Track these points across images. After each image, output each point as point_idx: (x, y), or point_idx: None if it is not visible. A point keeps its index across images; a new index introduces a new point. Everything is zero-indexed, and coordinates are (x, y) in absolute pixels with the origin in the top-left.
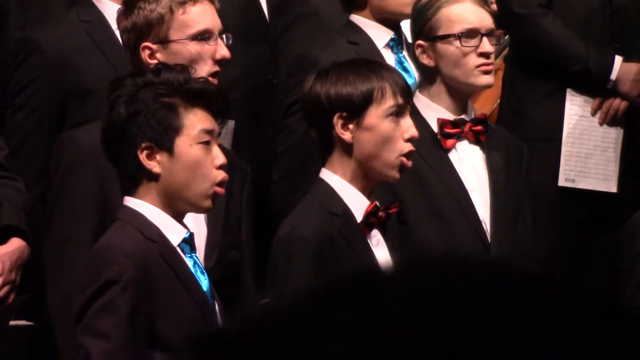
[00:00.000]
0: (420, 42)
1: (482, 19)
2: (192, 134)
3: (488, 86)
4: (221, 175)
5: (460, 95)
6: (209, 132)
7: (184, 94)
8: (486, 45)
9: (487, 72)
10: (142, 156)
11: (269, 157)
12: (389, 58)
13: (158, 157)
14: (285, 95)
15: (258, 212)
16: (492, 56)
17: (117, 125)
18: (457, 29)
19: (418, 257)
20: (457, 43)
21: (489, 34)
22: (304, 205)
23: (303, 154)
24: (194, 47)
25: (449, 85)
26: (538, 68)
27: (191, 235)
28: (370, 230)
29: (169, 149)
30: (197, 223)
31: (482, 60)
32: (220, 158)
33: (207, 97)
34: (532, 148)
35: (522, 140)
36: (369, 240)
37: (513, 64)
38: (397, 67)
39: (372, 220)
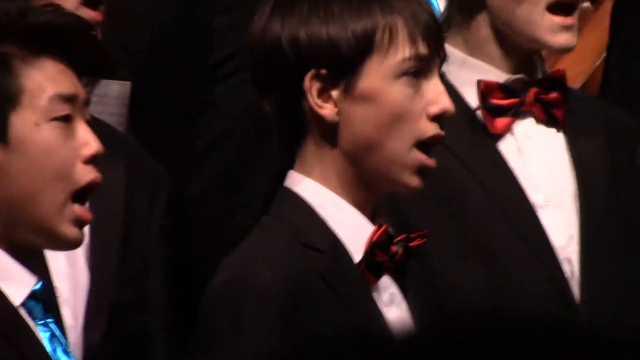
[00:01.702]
0: None
1: None
2: (38, 105)
3: (565, 50)
4: (90, 175)
5: (520, 48)
6: (69, 98)
7: (20, 36)
8: None
9: (566, 28)
10: None
11: (180, 154)
12: None
13: None
14: (207, 51)
15: (181, 247)
16: None
17: None
18: None
19: (448, 325)
20: None
21: None
22: (259, 233)
23: (244, 149)
24: None
25: (498, 28)
26: None
27: (45, 286)
28: (378, 277)
29: None
30: (71, 264)
31: None
32: (91, 144)
33: (62, 38)
34: None
35: (638, 122)
36: (375, 295)
37: None
38: None
39: (380, 258)
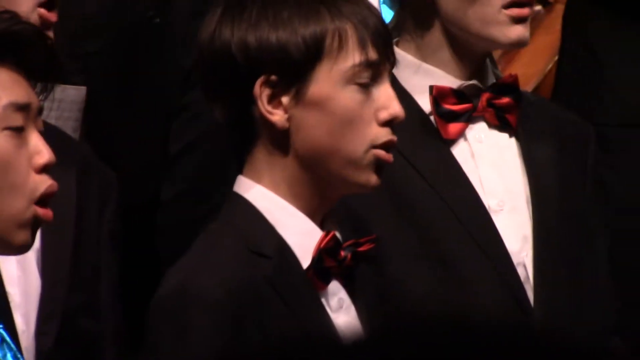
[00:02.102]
0: None
1: None
2: None
3: (519, 45)
4: (45, 183)
5: (472, 52)
6: (22, 107)
7: None
8: None
9: (520, 20)
10: None
11: (152, 158)
12: None
13: None
14: (183, 55)
15: (130, 253)
16: None
17: None
18: None
19: (399, 329)
20: None
21: None
22: (206, 240)
23: (218, 156)
24: None
25: (450, 32)
26: (630, 4)
27: None
28: (327, 282)
29: None
30: (23, 269)
31: None
32: (43, 153)
33: (18, 47)
34: (614, 139)
35: (591, 125)
36: (323, 300)
37: None
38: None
39: (329, 264)
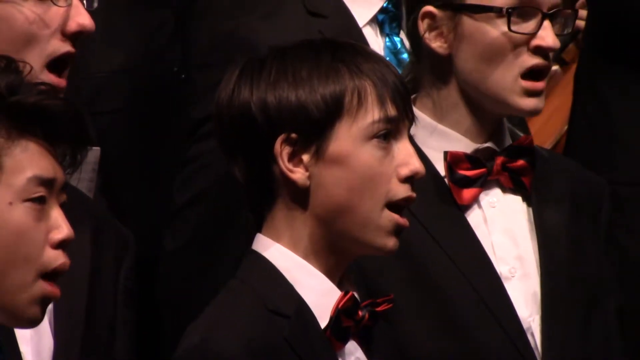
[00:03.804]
0: (429, 8)
1: None
2: (14, 185)
3: (532, 115)
4: (59, 260)
5: (488, 112)
6: (47, 182)
7: (6, 113)
8: (548, 35)
9: (535, 93)
10: None
11: (167, 215)
12: (375, 42)
13: None
14: (193, 105)
15: (147, 311)
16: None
17: None
18: None
19: None
20: (502, 24)
21: (553, 14)
22: (226, 297)
23: (223, 208)
24: (29, 9)
25: (467, 93)
26: None
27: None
28: (344, 342)
29: None
30: (36, 328)
31: (536, 61)
32: (62, 229)
33: (49, 121)
34: (626, 197)
35: (606, 183)
36: None
37: (597, 55)
38: (387, 58)
39: (346, 324)
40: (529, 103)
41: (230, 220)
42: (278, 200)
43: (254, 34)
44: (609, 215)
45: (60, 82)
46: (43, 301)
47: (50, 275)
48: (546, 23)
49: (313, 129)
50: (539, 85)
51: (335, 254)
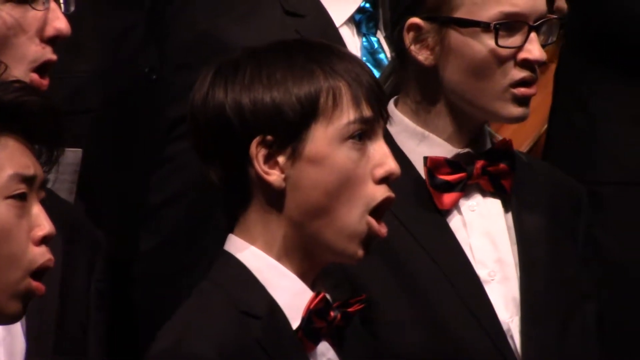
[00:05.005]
0: (415, 20)
1: None
2: None
3: (519, 121)
4: (43, 257)
5: (471, 120)
6: (27, 179)
7: None
8: (535, 48)
9: (523, 101)
10: None
11: (141, 215)
12: (352, 42)
13: None
14: (169, 105)
15: (120, 312)
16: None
17: None
18: (491, 12)
19: None
20: (489, 39)
21: (539, 25)
22: (197, 299)
23: (199, 209)
24: (7, 13)
25: (452, 102)
26: (624, 59)
27: None
28: (316, 343)
29: None
30: (8, 330)
31: (523, 74)
32: (43, 225)
33: (27, 118)
34: (606, 196)
35: (584, 187)
36: None
37: (577, 56)
38: (364, 58)
39: (318, 324)
40: (516, 111)
41: (206, 220)
42: (253, 201)
43: (232, 34)
44: (587, 219)
45: (43, 82)
46: (25, 297)
47: (37, 273)
48: (532, 35)
49: (289, 131)
50: (531, 90)
51: (308, 257)
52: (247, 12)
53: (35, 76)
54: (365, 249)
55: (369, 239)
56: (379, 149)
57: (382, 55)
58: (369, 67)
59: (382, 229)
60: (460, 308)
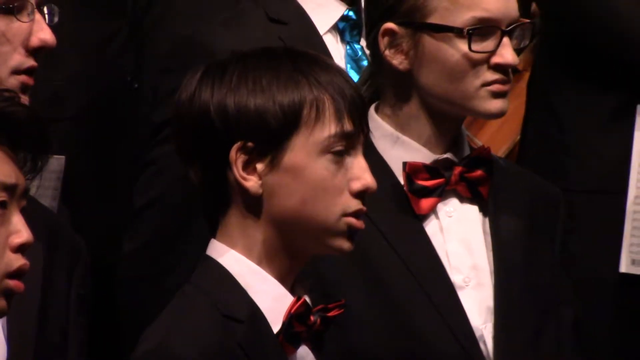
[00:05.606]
0: (390, 25)
1: (507, 4)
2: None
3: (498, 115)
4: (19, 261)
5: (448, 122)
6: (9, 188)
7: None
8: (507, 52)
9: (500, 95)
10: None
11: (123, 222)
12: (336, 49)
13: None
14: (153, 109)
15: (100, 317)
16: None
17: None
18: (464, 17)
19: None
20: (462, 44)
21: (512, 30)
22: (180, 303)
23: (181, 212)
24: None
25: (429, 104)
26: (595, 70)
27: None
28: (296, 347)
29: None
30: None
31: (496, 77)
32: (21, 233)
33: (11, 128)
34: (579, 206)
35: (561, 192)
36: None
37: (549, 65)
38: (347, 67)
39: (298, 329)
40: (495, 105)
41: (188, 223)
42: (232, 206)
43: (215, 40)
44: (563, 223)
45: (29, 80)
46: (7, 294)
47: (13, 275)
48: (505, 40)
49: (270, 140)
50: (505, 87)
51: (290, 257)
52: (231, 18)
53: (21, 76)
54: (350, 240)
55: (351, 233)
56: (357, 163)
57: (365, 63)
58: (353, 81)
59: (360, 222)
60: (433, 314)
